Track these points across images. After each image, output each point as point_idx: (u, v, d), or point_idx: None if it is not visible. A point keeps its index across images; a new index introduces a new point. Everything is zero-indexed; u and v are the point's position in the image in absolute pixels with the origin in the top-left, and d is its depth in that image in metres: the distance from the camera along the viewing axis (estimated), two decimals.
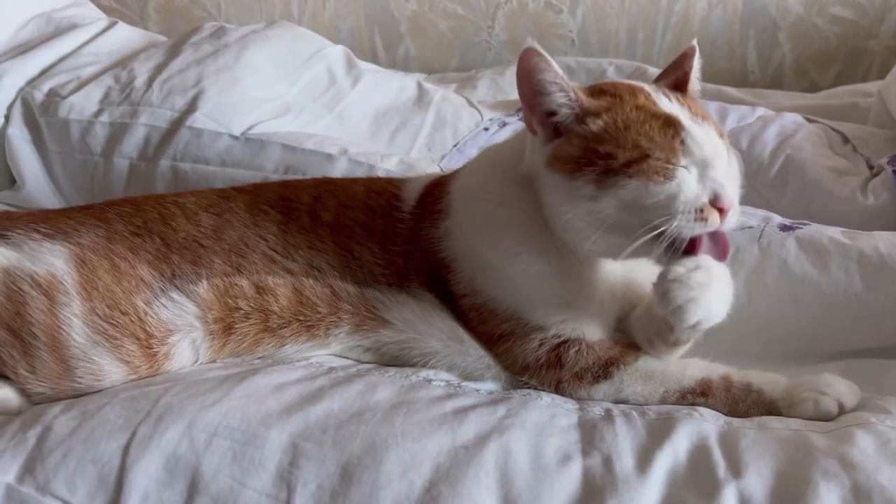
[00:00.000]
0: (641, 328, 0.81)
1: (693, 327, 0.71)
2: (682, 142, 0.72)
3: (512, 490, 0.64)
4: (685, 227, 0.70)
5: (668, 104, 0.76)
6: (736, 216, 0.73)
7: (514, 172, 0.81)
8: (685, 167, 0.72)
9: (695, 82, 0.82)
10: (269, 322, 0.82)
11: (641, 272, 0.81)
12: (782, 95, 1.70)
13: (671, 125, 0.73)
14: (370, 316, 0.83)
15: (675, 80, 0.81)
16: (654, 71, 1.72)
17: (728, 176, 0.74)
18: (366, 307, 0.82)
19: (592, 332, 0.80)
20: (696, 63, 0.82)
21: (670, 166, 0.71)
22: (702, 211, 0.71)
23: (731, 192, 0.72)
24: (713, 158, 0.73)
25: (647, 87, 0.78)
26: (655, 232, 0.70)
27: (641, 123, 0.73)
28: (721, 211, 0.71)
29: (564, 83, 0.75)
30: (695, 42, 0.83)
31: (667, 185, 0.71)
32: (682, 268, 0.70)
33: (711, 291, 0.70)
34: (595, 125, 0.74)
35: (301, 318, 0.82)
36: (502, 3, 1.97)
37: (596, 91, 0.78)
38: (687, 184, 0.71)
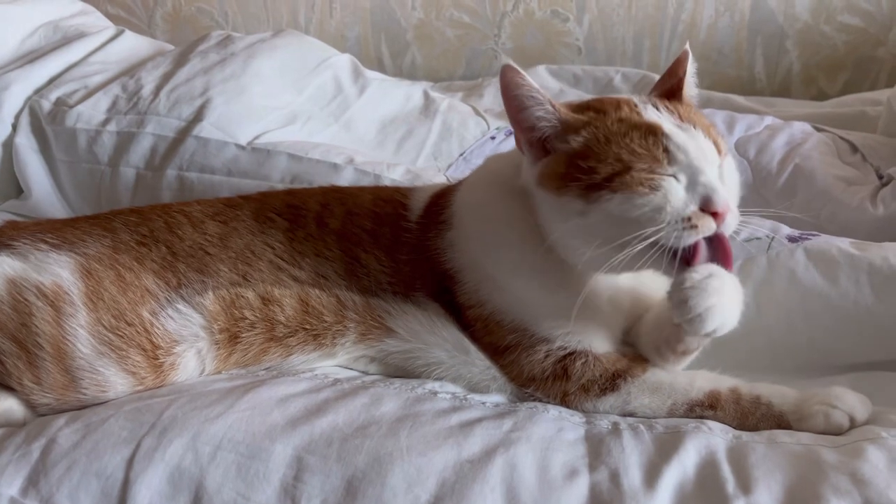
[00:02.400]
0: (648, 337, 0.80)
1: (707, 335, 0.70)
2: (666, 150, 0.71)
3: None
4: (675, 236, 0.69)
5: (654, 113, 0.75)
6: (735, 219, 0.72)
7: (514, 183, 0.81)
8: (672, 175, 0.71)
9: (690, 87, 0.81)
10: (275, 331, 0.82)
11: (648, 283, 0.80)
12: (790, 103, 1.69)
13: (653, 133, 0.72)
14: (376, 325, 0.82)
15: (669, 87, 0.81)
16: None
17: (723, 179, 0.73)
18: (371, 316, 0.82)
19: (599, 343, 0.79)
20: (691, 67, 0.81)
21: (654, 176, 0.70)
22: (690, 219, 0.69)
23: (725, 195, 0.71)
24: (700, 163, 0.71)
25: (635, 98, 0.78)
26: (647, 242, 0.69)
27: (622, 135, 0.72)
28: (716, 216, 0.70)
29: (541, 97, 0.74)
30: (687, 46, 0.82)
31: (652, 195, 0.70)
32: (697, 275, 0.69)
33: (726, 298, 0.69)
34: (575, 141, 0.74)
35: (307, 326, 0.82)
36: (509, 11, 1.97)
37: (581, 107, 0.78)
38: (674, 192, 0.70)
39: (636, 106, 0.76)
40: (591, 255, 0.72)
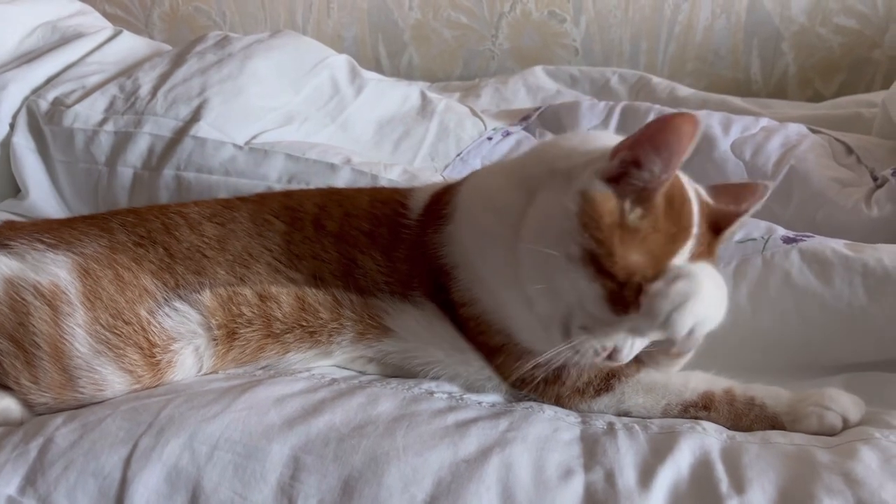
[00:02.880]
0: None
1: (689, 335, 0.69)
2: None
3: None
4: (585, 349, 0.72)
5: (682, 262, 0.71)
6: (623, 363, 0.74)
7: (521, 184, 0.79)
8: (631, 318, 0.70)
9: (738, 226, 0.77)
10: (272, 327, 0.82)
11: None
12: (786, 105, 1.70)
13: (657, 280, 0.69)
14: (373, 324, 0.83)
15: (722, 218, 0.75)
16: (657, 80, 1.73)
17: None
18: (369, 315, 0.82)
19: None
20: (756, 207, 0.77)
21: (626, 309, 0.69)
22: (604, 348, 0.72)
23: (632, 355, 0.73)
24: (649, 335, 0.72)
25: (694, 226, 0.71)
26: (569, 338, 0.71)
27: (652, 264, 0.69)
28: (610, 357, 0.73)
29: (674, 167, 0.68)
30: (769, 187, 0.78)
31: (608, 315, 0.70)
32: (661, 282, 0.68)
33: (698, 298, 0.67)
34: (633, 222, 0.69)
35: (303, 323, 0.82)
36: (506, 11, 1.97)
37: (670, 193, 0.71)
38: (617, 327, 0.70)
39: (688, 241, 0.71)
40: (531, 285, 0.73)
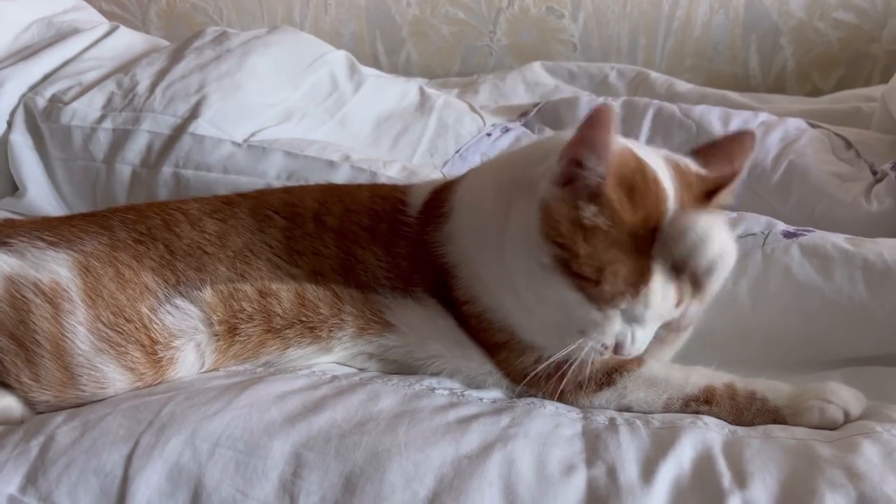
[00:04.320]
0: None
1: (710, 264, 0.68)
2: (636, 294, 0.70)
3: (516, 501, 0.64)
4: (586, 350, 0.72)
5: None
6: (635, 354, 0.74)
7: (503, 190, 0.79)
8: (622, 310, 0.71)
9: (734, 187, 0.75)
10: (273, 323, 0.82)
11: None
12: (785, 100, 1.70)
13: (641, 274, 0.69)
14: (374, 319, 0.83)
15: (715, 182, 0.74)
16: (656, 75, 1.72)
17: (670, 323, 0.74)
18: (370, 310, 0.82)
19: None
20: (748, 162, 0.75)
21: (610, 303, 0.70)
22: (605, 346, 0.72)
23: (640, 345, 0.73)
24: (646, 320, 0.72)
25: (671, 198, 0.71)
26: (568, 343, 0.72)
27: (622, 255, 0.69)
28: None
29: (605, 158, 0.68)
30: (755, 131, 0.78)
31: (595, 314, 0.71)
32: (685, 217, 0.69)
33: (721, 231, 0.69)
34: (590, 220, 0.69)
35: (303, 318, 0.82)
36: (504, 7, 1.97)
37: (628, 181, 0.70)
38: (611, 324, 0.71)
39: (664, 213, 0.70)
40: (524, 291, 0.74)
